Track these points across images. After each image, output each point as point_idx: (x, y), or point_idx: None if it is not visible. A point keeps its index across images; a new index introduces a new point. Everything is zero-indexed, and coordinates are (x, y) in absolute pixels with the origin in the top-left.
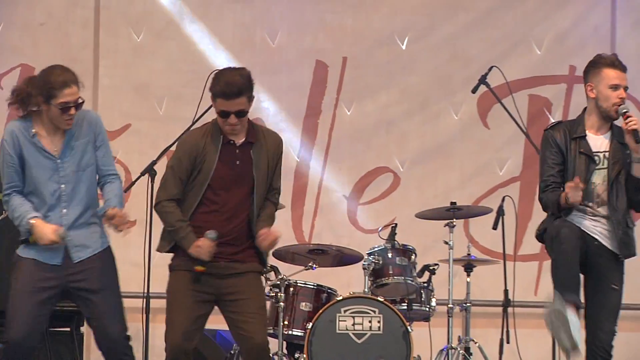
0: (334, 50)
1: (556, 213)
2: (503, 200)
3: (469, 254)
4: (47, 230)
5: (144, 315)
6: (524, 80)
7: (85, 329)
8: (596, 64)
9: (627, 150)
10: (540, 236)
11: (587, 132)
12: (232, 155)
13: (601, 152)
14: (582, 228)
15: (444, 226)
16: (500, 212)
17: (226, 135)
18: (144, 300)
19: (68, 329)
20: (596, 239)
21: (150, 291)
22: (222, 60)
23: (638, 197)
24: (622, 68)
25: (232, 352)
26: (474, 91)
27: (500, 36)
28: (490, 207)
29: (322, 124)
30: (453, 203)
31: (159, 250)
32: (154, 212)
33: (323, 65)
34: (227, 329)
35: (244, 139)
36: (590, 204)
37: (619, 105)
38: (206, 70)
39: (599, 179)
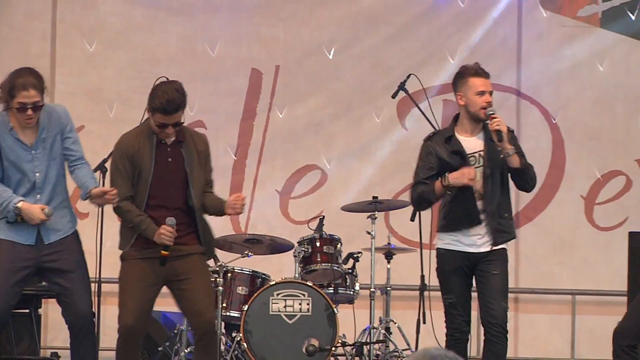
0: (268, 59)
1: (423, 205)
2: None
3: (389, 243)
4: (34, 210)
5: (97, 298)
6: (438, 86)
7: (42, 310)
8: (462, 75)
9: (499, 148)
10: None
11: (457, 135)
12: (165, 153)
13: (476, 152)
14: (461, 249)
15: (367, 218)
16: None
17: (157, 135)
18: (97, 284)
19: (27, 311)
20: (473, 253)
21: (102, 276)
22: (166, 68)
23: (520, 182)
24: (486, 75)
25: (175, 331)
26: (393, 96)
27: (417, 47)
28: (408, 201)
29: (257, 126)
30: (375, 197)
31: (121, 248)
32: (105, 206)
33: (258, 73)
34: (172, 310)
35: (174, 139)
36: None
37: (486, 108)
38: (152, 77)
39: (477, 176)
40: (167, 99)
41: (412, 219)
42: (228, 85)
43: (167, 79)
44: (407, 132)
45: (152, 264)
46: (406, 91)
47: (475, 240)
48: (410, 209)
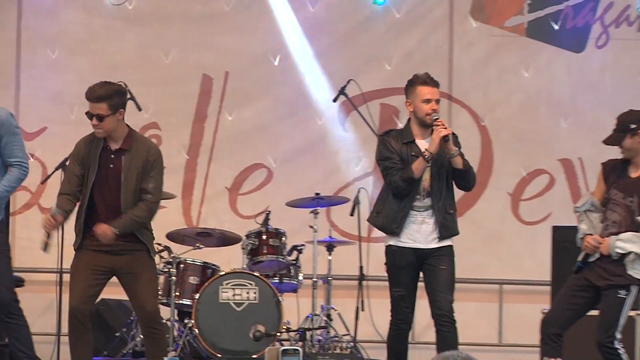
0: (218, 65)
1: (405, 187)
2: (359, 191)
3: (330, 237)
4: None
5: (58, 288)
6: (376, 91)
7: None
8: (412, 83)
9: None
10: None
11: (415, 138)
12: (108, 159)
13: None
14: (411, 246)
15: (310, 213)
16: (356, 202)
17: (106, 141)
18: (58, 275)
19: None
20: (423, 248)
21: (63, 267)
22: (124, 73)
23: (462, 182)
24: (434, 84)
25: (132, 318)
26: (334, 100)
27: (356, 54)
28: (348, 197)
29: (207, 127)
30: (317, 194)
31: (75, 245)
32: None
33: (208, 79)
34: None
35: (118, 146)
36: (418, 197)
37: (431, 115)
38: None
39: (426, 175)
40: (90, 89)
41: (352, 214)
42: (181, 89)
43: (125, 84)
44: (347, 134)
45: (100, 255)
46: (346, 95)
47: (426, 237)
48: (349, 204)
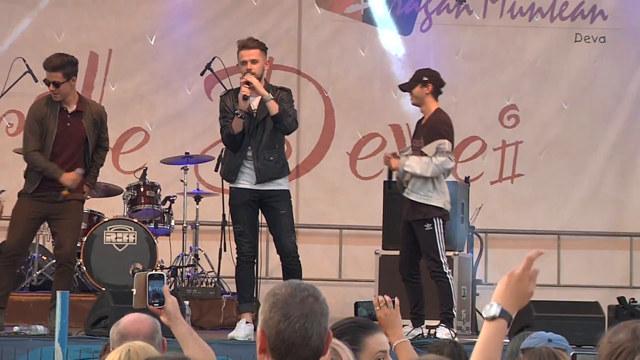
0: (103, 44)
1: (232, 144)
2: (222, 151)
3: (198, 189)
4: None
5: None
6: (236, 67)
7: None
8: (237, 48)
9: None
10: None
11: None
12: (66, 119)
13: (255, 109)
14: (247, 187)
15: (180, 169)
16: (220, 159)
17: (61, 103)
18: None
19: None
20: (258, 189)
21: None
22: (21, 51)
23: (279, 125)
24: (250, 46)
25: (29, 257)
26: (201, 74)
27: (221, 35)
28: (213, 156)
29: (94, 97)
30: (187, 153)
31: (26, 191)
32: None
33: (95, 55)
34: None
35: (73, 109)
36: (250, 147)
37: (243, 76)
38: (10, 57)
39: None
40: (47, 59)
41: (216, 170)
42: None
43: (24, 59)
44: (212, 102)
45: (39, 203)
46: (212, 70)
47: (249, 179)
48: (214, 162)
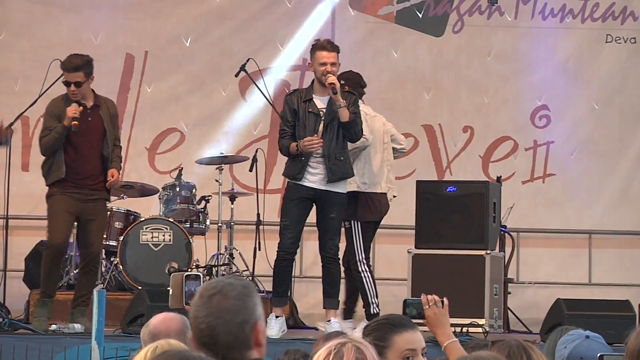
0: (139, 46)
1: (286, 155)
2: (257, 151)
3: (233, 189)
4: None
5: (5, 231)
6: (271, 68)
7: None
8: (313, 47)
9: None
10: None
11: (313, 96)
12: (86, 114)
13: (324, 108)
14: (305, 184)
15: (216, 169)
16: (254, 160)
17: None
18: (4, 220)
19: None
20: (315, 188)
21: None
22: (59, 53)
23: (348, 133)
24: (331, 48)
25: (66, 256)
26: (236, 75)
27: (255, 37)
28: (248, 156)
29: (130, 97)
30: (222, 153)
31: (56, 180)
32: (9, 153)
33: (131, 57)
34: None
35: (92, 103)
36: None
37: (325, 76)
38: (47, 59)
39: (321, 127)
40: (67, 61)
41: (250, 170)
42: (108, 66)
43: (61, 61)
44: (246, 103)
45: (72, 200)
46: (246, 72)
47: (318, 177)
48: (249, 162)
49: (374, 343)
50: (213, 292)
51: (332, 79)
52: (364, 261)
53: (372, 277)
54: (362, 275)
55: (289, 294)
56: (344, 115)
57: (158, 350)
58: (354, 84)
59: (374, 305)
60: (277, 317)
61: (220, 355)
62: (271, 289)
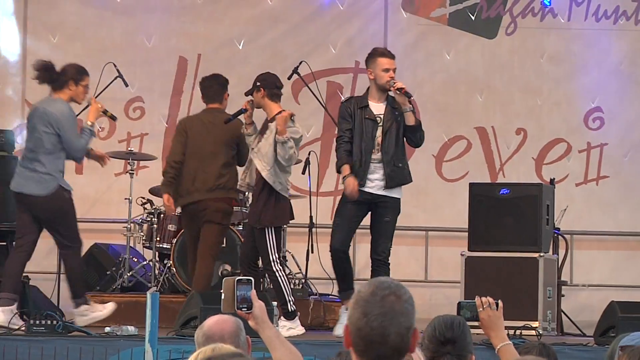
0: (192, 49)
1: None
2: (309, 154)
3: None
4: None
5: None
6: (323, 71)
7: None
8: (373, 55)
9: (396, 112)
10: None
11: (369, 102)
12: None
13: (381, 114)
14: (363, 189)
15: None
16: (307, 162)
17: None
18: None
19: (4, 244)
20: (373, 193)
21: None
22: (112, 56)
23: (413, 137)
24: (391, 56)
25: (120, 259)
26: (289, 78)
27: (307, 40)
28: (300, 159)
29: (183, 100)
30: None
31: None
32: None
33: (184, 60)
34: (117, 243)
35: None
36: (373, 150)
37: (389, 81)
38: (101, 62)
39: (379, 133)
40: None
41: (303, 173)
42: (161, 69)
43: (114, 64)
44: (300, 106)
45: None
46: (299, 74)
47: (376, 183)
48: (301, 165)
49: None
50: (387, 292)
51: (400, 83)
52: (277, 261)
53: (286, 275)
54: (277, 275)
55: (353, 286)
56: (411, 119)
57: (215, 352)
58: (269, 85)
59: (291, 303)
60: (346, 309)
61: (381, 356)
62: (324, 293)
